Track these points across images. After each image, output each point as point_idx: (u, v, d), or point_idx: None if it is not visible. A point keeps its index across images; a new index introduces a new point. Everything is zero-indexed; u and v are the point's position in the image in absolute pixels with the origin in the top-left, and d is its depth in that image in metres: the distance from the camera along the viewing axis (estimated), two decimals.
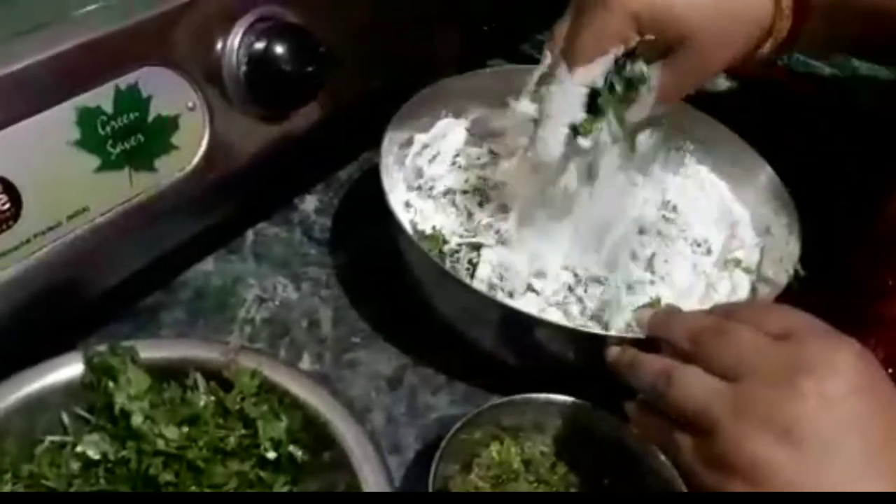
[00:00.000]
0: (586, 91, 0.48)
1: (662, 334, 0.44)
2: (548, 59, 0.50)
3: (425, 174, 0.60)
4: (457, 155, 0.61)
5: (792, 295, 0.51)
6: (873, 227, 0.54)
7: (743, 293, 0.56)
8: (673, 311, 0.46)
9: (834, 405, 0.35)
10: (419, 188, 0.59)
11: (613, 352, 0.45)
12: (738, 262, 0.58)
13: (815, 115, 0.76)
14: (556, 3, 0.51)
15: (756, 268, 0.57)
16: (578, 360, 0.49)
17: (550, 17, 0.84)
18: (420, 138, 0.60)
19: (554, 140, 0.50)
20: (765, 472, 0.35)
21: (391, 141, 0.56)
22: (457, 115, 0.62)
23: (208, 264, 0.58)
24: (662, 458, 0.43)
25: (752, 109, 0.73)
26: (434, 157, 0.61)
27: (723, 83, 0.79)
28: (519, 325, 0.48)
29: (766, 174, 0.59)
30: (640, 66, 0.48)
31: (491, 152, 0.61)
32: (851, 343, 0.38)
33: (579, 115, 0.49)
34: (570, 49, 0.47)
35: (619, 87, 0.49)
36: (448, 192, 0.59)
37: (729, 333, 0.39)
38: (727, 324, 0.40)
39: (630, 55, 0.48)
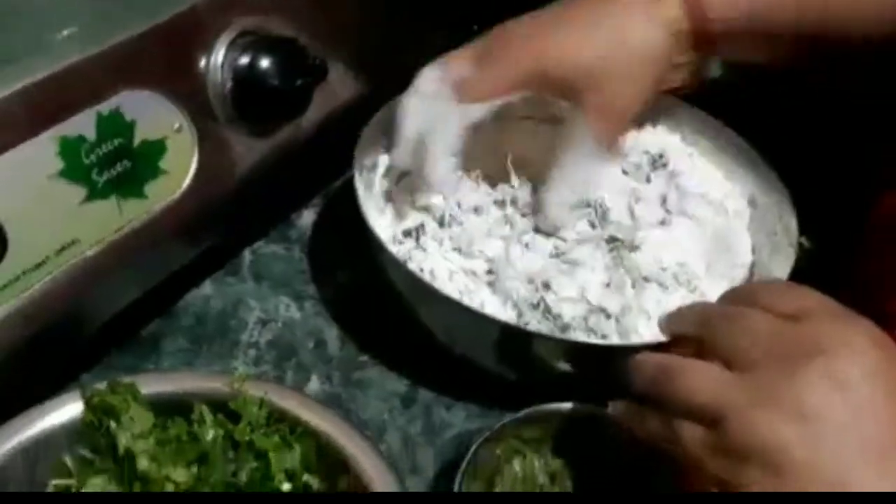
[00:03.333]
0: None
1: (677, 330, 0.42)
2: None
3: (393, 194, 0.58)
4: None
5: None
6: (871, 221, 0.53)
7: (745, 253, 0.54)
8: (687, 305, 0.44)
9: (847, 386, 0.34)
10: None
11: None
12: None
13: (809, 105, 0.74)
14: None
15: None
16: (588, 371, 0.47)
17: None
18: (383, 159, 0.57)
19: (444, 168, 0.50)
20: (780, 456, 0.34)
21: (362, 166, 0.54)
22: None
23: (207, 288, 0.56)
24: None
25: (745, 100, 0.71)
26: (400, 177, 0.59)
27: (716, 70, 0.77)
28: (519, 341, 0.46)
29: (740, 148, 0.57)
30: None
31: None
32: (867, 324, 0.36)
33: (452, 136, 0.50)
34: (464, 85, 0.50)
35: None
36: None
37: (739, 318, 0.38)
38: (737, 308, 0.39)
39: None
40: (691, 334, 0.41)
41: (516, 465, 0.44)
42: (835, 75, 0.56)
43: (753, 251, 0.54)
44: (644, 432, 0.40)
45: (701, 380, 0.37)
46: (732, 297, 0.42)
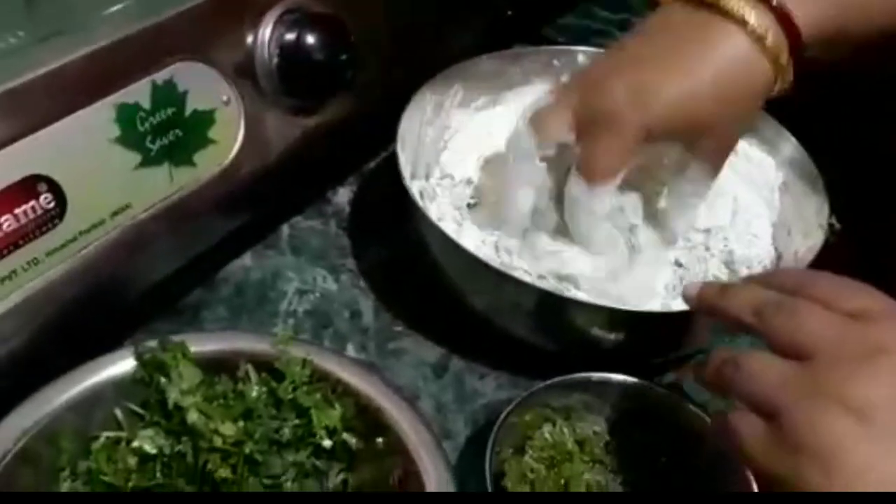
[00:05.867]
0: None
1: (719, 309, 0.41)
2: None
3: (435, 167, 0.59)
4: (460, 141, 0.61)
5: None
6: None
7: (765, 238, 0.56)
8: (726, 285, 0.43)
9: None
10: (436, 181, 0.59)
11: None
12: None
13: (843, 86, 0.74)
14: None
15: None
16: (621, 338, 0.48)
17: (572, 1, 0.85)
18: (428, 131, 0.59)
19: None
20: (839, 452, 0.33)
21: (404, 137, 0.54)
22: (462, 105, 0.61)
23: (246, 260, 0.58)
24: None
25: None
26: (443, 148, 0.61)
27: None
28: (555, 307, 0.47)
29: (776, 132, 0.58)
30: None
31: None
32: None
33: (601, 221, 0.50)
34: (589, 172, 0.48)
35: None
36: (461, 181, 0.59)
37: (799, 311, 0.37)
38: (794, 300, 0.38)
39: None
40: (744, 320, 0.39)
41: (545, 431, 0.46)
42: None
43: (786, 229, 0.56)
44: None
45: (763, 371, 0.36)
46: (783, 285, 0.40)
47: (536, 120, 0.49)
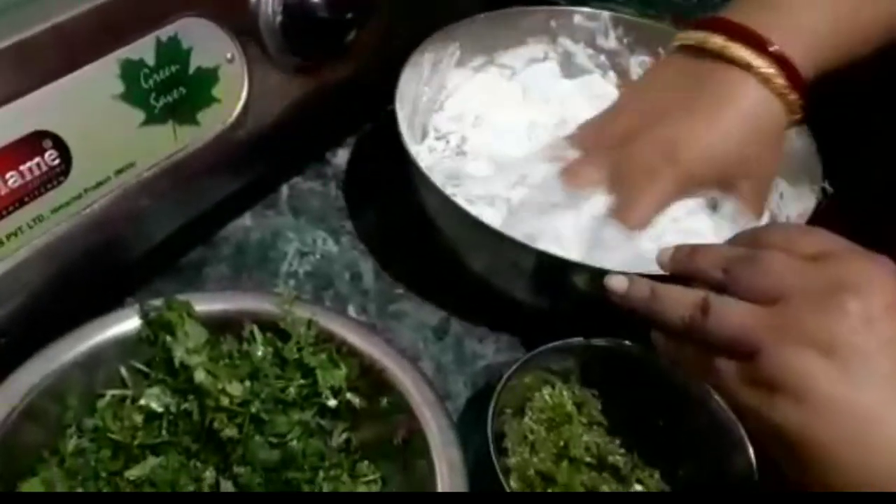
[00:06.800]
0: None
1: (689, 270, 0.43)
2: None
3: (430, 127, 0.59)
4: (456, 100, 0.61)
5: None
6: None
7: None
8: (696, 247, 0.45)
9: (873, 320, 0.35)
10: (432, 141, 0.59)
11: (619, 283, 0.44)
12: None
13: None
14: None
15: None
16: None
17: None
18: (425, 90, 0.59)
19: None
20: (810, 386, 0.35)
21: (403, 96, 0.54)
22: (459, 64, 0.61)
23: (246, 220, 0.58)
24: (717, 397, 0.43)
25: None
26: (439, 108, 0.60)
27: None
28: (553, 269, 0.48)
29: None
30: None
31: None
32: (886, 260, 0.38)
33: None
34: (627, 218, 0.50)
35: None
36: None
37: (762, 260, 0.39)
38: (758, 251, 0.40)
39: None
40: (715, 278, 0.41)
41: (545, 394, 0.46)
42: None
43: (779, 193, 0.56)
44: (681, 364, 0.42)
45: (735, 315, 0.38)
46: (748, 240, 0.43)
47: (568, 173, 0.52)
